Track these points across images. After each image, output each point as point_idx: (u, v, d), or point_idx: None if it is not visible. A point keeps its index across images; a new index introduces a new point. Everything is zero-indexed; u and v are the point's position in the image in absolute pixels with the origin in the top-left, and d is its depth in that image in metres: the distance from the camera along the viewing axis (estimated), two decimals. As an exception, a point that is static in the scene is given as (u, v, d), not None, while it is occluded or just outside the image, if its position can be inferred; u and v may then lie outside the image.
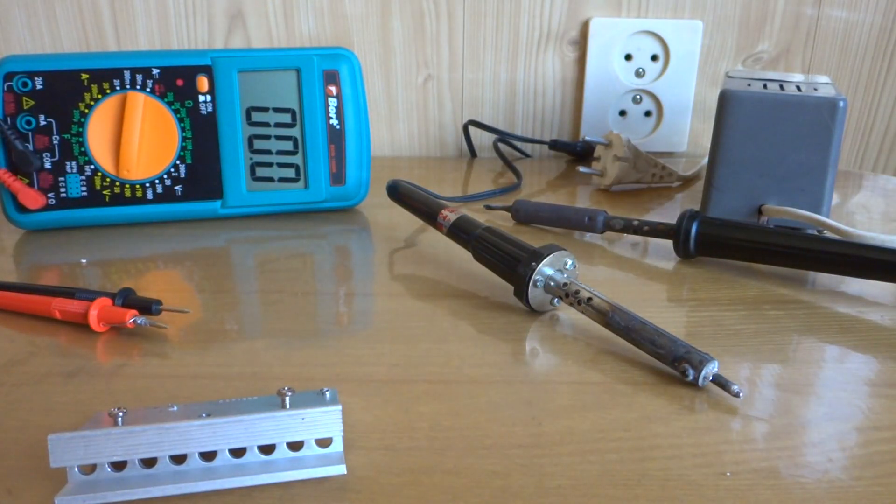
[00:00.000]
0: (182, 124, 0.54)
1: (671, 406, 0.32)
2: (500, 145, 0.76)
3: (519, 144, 0.79)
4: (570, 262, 0.41)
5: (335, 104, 0.56)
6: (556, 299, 0.41)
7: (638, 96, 0.77)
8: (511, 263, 0.41)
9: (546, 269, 0.40)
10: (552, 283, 0.40)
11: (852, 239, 0.47)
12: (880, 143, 0.81)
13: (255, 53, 0.55)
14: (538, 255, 0.40)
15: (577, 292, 0.39)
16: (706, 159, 0.56)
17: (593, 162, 0.68)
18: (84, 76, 0.52)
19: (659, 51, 0.76)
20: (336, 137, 0.56)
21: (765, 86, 0.54)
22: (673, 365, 0.34)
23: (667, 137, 0.79)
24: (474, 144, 0.79)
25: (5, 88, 0.51)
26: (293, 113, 0.55)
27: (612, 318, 0.37)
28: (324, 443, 0.27)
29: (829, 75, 0.78)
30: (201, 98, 0.54)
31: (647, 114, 0.78)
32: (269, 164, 0.56)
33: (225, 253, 0.51)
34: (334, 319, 0.41)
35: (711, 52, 0.77)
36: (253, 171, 0.56)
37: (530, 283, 0.40)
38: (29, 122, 0.51)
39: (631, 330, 0.36)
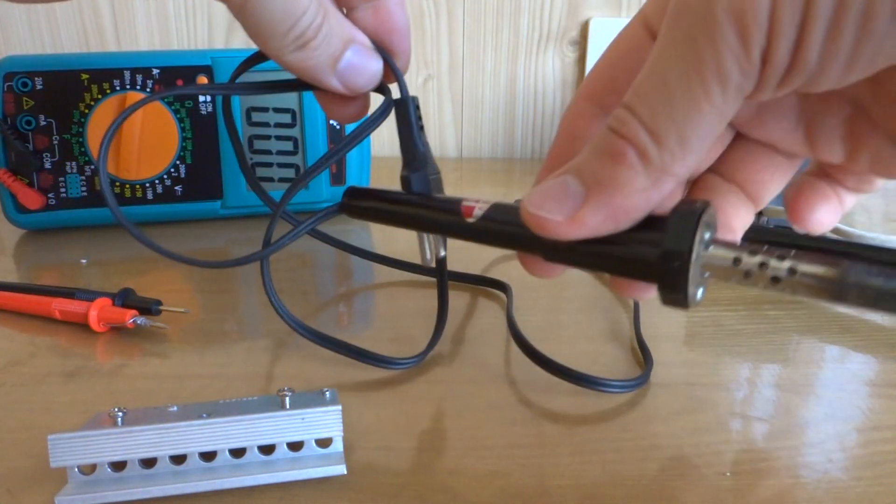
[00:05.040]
0: (182, 124, 0.54)
1: (671, 406, 0.32)
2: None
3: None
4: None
5: (335, 104, 0.56)
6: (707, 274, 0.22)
7: (638, 96, 0.77)
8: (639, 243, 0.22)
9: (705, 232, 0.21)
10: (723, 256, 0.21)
11: (852, 239, 0.47)
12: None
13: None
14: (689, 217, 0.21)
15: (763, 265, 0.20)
16: (706, 159, 0.56)
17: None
18: (84, 76, 0.52)
19: (659, 51, 0.76)
20: (336, 137, 0.56)
21: (765, 86, 0.54)
22: None
23: (667, 137, 0.79)
24: (474, 144, 0.79)
25: (5, 88, 0.51)
26: (293, 113, 0.55)
27: (846, 279, 0.19)
28: (324, 443, 0.27)
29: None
30: (201, 98, 0.54)
31: (647, 114, 0.78)
32: (269, 165, 0.56)
33: (225, 253, 0.51)
34: (334, 319, 0.41)
35: (711, 52, 0.77)
36: (253, 171, 0.56)
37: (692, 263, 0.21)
38: (29, 122, 0.51)
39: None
